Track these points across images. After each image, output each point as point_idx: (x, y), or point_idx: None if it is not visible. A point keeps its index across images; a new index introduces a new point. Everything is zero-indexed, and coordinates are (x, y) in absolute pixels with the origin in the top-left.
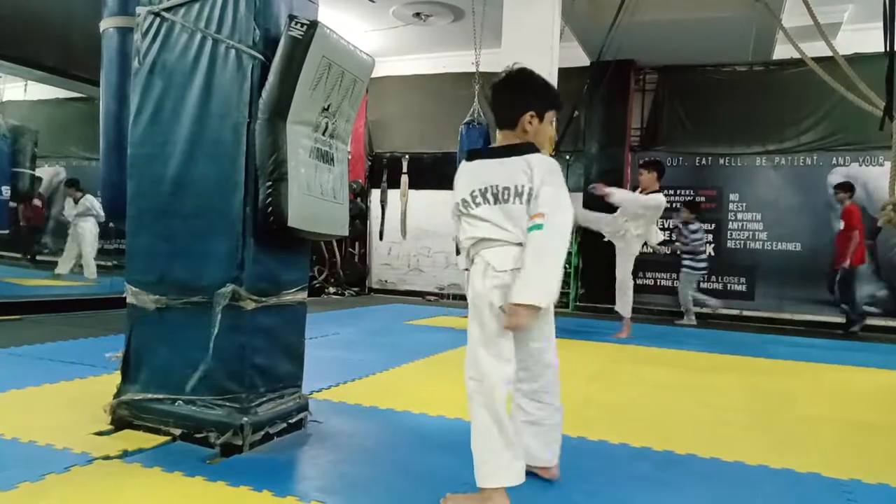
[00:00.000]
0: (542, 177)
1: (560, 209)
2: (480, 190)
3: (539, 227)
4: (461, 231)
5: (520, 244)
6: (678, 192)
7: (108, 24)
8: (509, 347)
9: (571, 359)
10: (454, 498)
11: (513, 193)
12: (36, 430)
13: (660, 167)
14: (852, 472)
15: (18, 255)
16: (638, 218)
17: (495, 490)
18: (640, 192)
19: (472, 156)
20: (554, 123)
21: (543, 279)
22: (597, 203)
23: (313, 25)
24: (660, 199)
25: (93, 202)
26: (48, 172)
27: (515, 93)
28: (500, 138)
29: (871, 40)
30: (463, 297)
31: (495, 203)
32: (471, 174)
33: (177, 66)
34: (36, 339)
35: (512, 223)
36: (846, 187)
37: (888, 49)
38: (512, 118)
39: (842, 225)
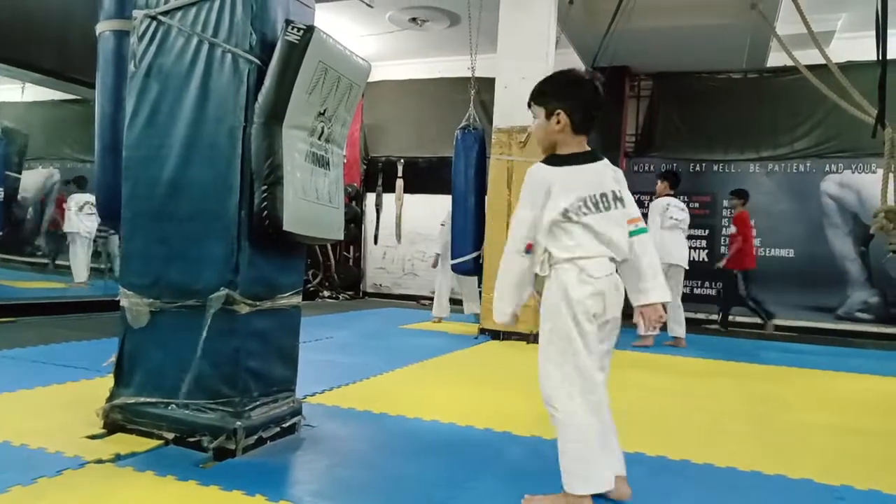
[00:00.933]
0: (621, 181)
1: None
2: (590, 196)
3: (644, 230)
4: (553, 240)
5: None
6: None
7: (104, 28)
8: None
9: None
10: (535, 499)
11: (611, 199)
12: (28, 434)
13: (671, 177)
14: (844, 478)
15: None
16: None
17: (583, 497)
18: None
19: (557, 161)
20: None
21: (663, 278)
22: None
23: (310, 30)
24: (655, 204)
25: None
26: (42, 174)
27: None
28: (577, 144)
29: (863, 48)
30: (458, 302)
31: (597, 211)
32: (567, 181)
33: (173, 69)
34: (29, 341)
35: (620, 230)
36: (740, 194)
37: (880, 57)
38: (593, 124)
39: (733, 229)
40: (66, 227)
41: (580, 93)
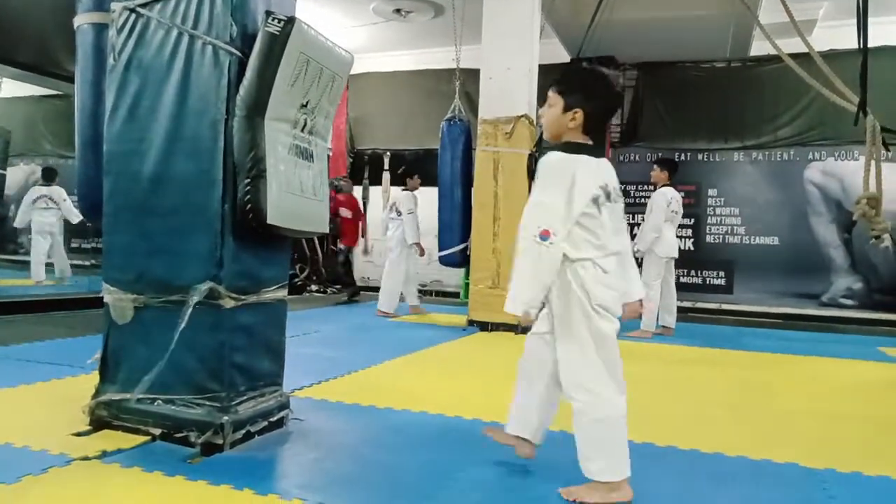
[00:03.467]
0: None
1: None
2: (604, 186)
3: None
4: (573, 234)
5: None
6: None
7: (82, 21)
8: None
9: None
10: (573, 490)
11: (615, 194)
12: (12, 432)
13: (671, 165)
14: (828, 462)
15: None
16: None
17: (622, 481)
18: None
19: (575, 149)
20: None
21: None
22: None
23: (290, 21)
24: (659, 195)
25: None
26: (24, 171)
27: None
28: (583, 140)
29: (845, 37)
30: (447, 294)
31: (610, 202)
32: (588, 169)
33: (153, 62)
34: (12, 339)
35: (623, 224)
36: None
37: (862, 46)
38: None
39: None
40: (18, 223)
41: (604, 100)
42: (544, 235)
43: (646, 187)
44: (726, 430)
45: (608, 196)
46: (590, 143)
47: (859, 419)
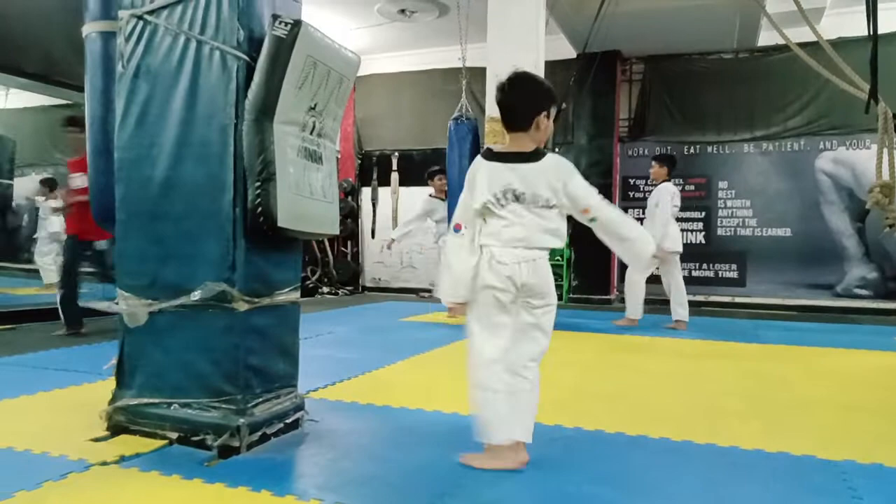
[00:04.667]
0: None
1: None
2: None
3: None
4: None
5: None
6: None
7: (90, 29)
8: None
9: (566, 350)
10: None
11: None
12: (32, 439)
13: (670, 161)
14: (846, 454)
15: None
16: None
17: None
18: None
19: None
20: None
21: None
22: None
23: (297, 24)
24: (663, 190)
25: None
26: (34, 181)
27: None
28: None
29: (854, 24)
30: None
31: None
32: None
33: (161, 68)
34: (29, 347)
35: None
36: None
37: (871, 32)
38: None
39: None
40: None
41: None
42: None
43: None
44: (742, 424)
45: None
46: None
47: (877, 410)
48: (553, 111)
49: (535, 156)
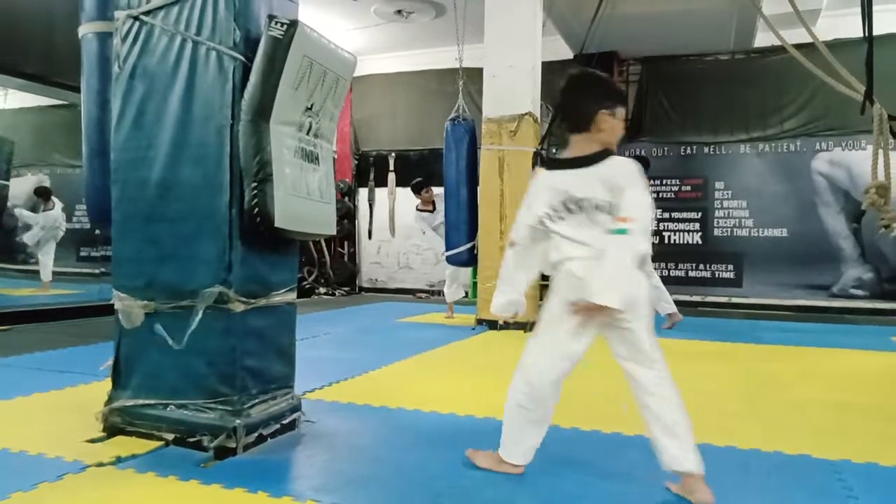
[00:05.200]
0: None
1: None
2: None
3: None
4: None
5: None
6: (664, 182)
7: (86, 30)
8: None
9: None
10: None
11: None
12: (27, 440)
13: (645, 162)
14: (842, 453)
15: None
16: None
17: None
18: None
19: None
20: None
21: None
22: None
23: (293, 25)
24: None
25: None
26: (31, 182)
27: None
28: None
29: (850, 26)
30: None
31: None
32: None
33: (157, 69)
34: (25, 348)
35: None
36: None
37: (867, 34)
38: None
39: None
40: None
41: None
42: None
43: (651, 182)
44: (738, 423)
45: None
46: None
47: (872, 410)
48: (619, 110)
49: (597, 157)
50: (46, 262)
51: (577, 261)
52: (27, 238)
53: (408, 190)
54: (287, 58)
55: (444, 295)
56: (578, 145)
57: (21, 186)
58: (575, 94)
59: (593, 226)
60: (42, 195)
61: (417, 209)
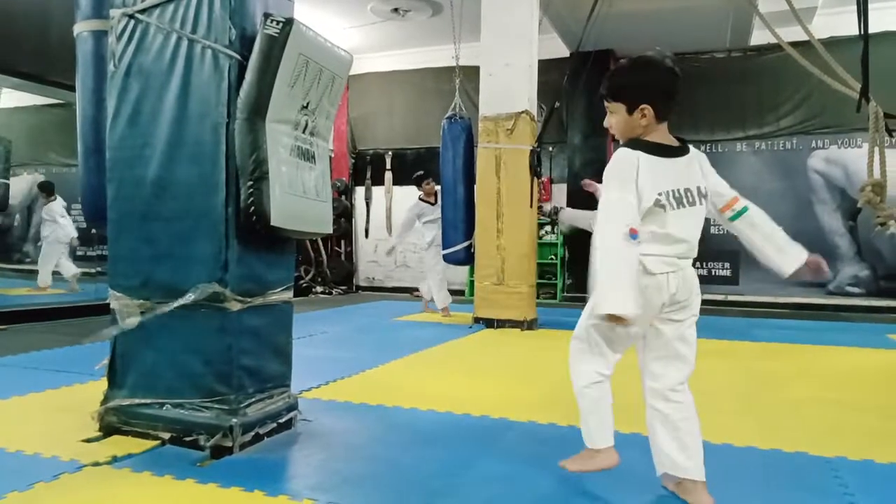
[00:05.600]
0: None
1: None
2: (674, 191)
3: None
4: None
5: None
6: None
7: (81, 28)
8: None
9: (559, 348)
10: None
11: (695, 195)
12: (23, 440)
13: None
14: (838, 450)
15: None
16: None
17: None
18: None
19: (644, 146)
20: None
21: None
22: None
23: (289, 23)
24: None
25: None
26: (27, 181)
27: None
28: (661, 133)
29: (846, 23)
30: (452, 292)
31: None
32: (655, 169)
33: (153, 67)
34: (21, 348)
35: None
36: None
37: (862, 32)
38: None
39: None
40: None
41: (661, 82)
42: (634, 234)
43: None
44: (735, 421)
45: (680, 200)
46: (667, 139)
47: (869, 407)
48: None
49: (685, 146)
50: (47, 267)
51: (658, 257)
52: (62, 235)
53: (405, 188)
54: (283, 56)
55: (433, 300)
56: (662, 133)
57: (17, 186)
58: (674, 79)
59: (690, 219)
60: (44, 190)
61: (420, 198)
